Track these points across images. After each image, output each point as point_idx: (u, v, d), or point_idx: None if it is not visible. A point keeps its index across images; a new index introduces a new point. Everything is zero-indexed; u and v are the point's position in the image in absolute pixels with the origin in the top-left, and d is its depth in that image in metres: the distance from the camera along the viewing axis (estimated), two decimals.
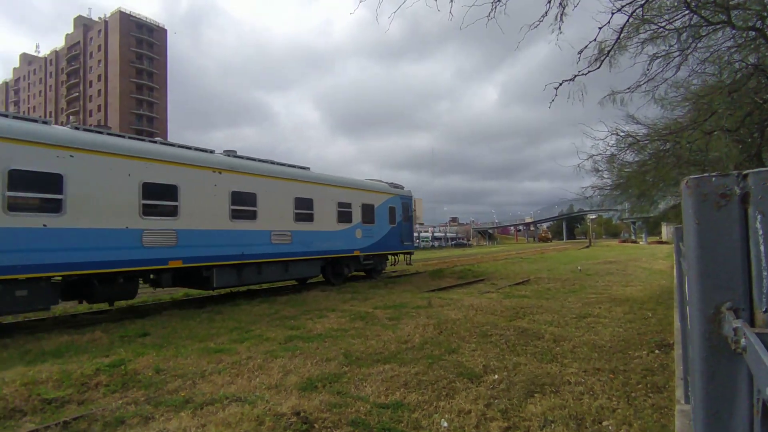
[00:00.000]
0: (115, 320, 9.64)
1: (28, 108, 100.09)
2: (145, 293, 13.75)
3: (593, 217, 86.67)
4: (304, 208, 14.00)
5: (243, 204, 12.00)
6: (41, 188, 8.19)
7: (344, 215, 15.76)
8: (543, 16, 5.32)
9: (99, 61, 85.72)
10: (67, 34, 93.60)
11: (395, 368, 5.65)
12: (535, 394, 4.76)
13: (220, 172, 11.50)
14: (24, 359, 6.21)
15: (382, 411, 4.27)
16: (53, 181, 8.22)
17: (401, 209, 18.89)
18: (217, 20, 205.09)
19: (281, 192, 13.26)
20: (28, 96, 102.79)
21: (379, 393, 4.76)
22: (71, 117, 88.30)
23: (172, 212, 10.30)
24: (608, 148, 10.47)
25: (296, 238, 13.58)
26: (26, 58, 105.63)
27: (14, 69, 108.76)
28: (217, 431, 3.68)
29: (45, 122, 8.86)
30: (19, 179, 7.79)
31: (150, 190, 9.88)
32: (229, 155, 12.64)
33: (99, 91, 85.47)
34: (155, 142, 11.35)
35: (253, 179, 12.46)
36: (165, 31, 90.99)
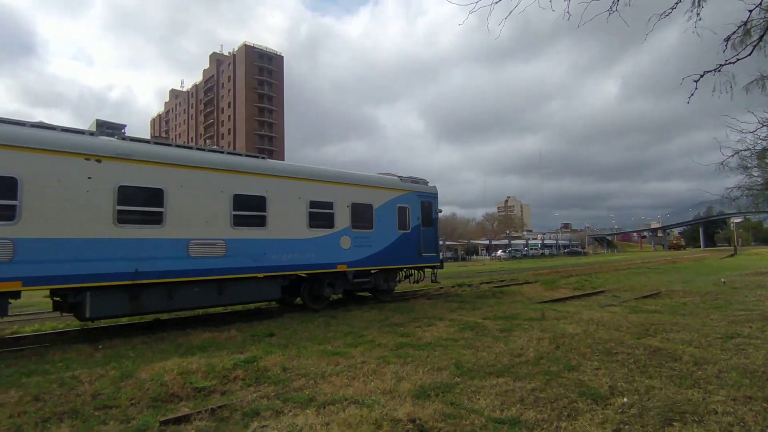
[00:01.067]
0: (245, 321, 10.77)
1: (176, 135, 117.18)
2: None
3: (738, 220, 74.05)
4: (249, 209, 10.54)
5: (139, 204, 8.94)
6: None
7: (320, 218, 11.87)
8: (677, 3, 4.78)
9: (229, 90, 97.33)
10: (204, 70, 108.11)
11: (509, 382, 5.45)
12: (674, 423, 4.24)
13: (98, 161, 8.44)
14: (178, 351, 7.24)
15: (498, 426, 4.16)
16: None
17: (419, 210, 14.52)
18: (331, 43, 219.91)
19: (210, 187, 9.89)
20: (175, 125, 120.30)
21: (493, 407, 4.64)
22: (208, 141, 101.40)
23: (9, 216, 7.50)
24: (759, 141, 8.97)
25: (235, 248, 10.10)
26: (174, 93, 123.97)
27: (165, 103, 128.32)
28: (340, 431, 3.91)
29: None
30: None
31: None
32: (114, 135, 9.42)
33: (229, 116, 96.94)
34: None
35: (158, 170, 9.17)
36: (282, 57, 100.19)
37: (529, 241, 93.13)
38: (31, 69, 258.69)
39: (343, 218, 12.38)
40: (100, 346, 7.81)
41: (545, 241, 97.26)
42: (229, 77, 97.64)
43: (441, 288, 18.39)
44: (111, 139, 9.14)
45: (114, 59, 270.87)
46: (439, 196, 15.59)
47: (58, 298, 8.63)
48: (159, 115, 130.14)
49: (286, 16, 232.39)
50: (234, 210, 10.22)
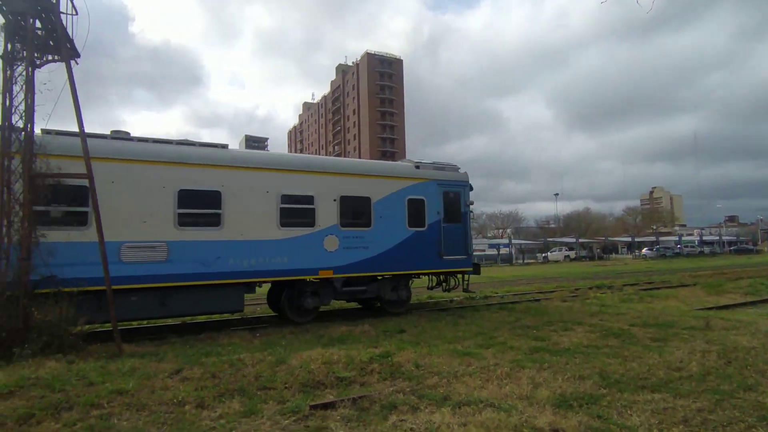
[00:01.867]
0: (376, 317, 11.32)
1: (309, 144, 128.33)
2: None
3: None
4: (199, 206, 9.28)
5: (59, 202, 8.19)
6: None
7: (296, 215, 10.18)
8: None
9: (353, 98, 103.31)
10: (331, 81, 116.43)
11: (668, 399, 4.83)
12: None
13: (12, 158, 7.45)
14: (320, 342, 7.92)
15: None
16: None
17: (439, 202, 11.87)
18: (452, 40, 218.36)
19: (146, 182, 8.75)
20: (308, 134, 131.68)
21: (650, 425, 4.15)
22: (336, 147, 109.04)
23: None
24: None
25: (179, 252, 8.90)
26: (306, 106, 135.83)
27: (299, 115, 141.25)
28: None
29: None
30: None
31: None
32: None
33: (354, 123, 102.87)
34: None
35: (79, 165, 7.61)
36: (401, 61, 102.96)
37: (683, 237, 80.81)
38: (199, 96, 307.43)
39: (328, 214, 10.41)
40: (258, 335, 8.94)
41: (704, 237, 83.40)
42: (353, 86, 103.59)
43: (552, 292, 16.96)
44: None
45: (260, 80, 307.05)
46: (470, 183, 12.61)
47: None
48: (294, 127, 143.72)
49: (408, 19, 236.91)
50: (179, 207, 8.96)
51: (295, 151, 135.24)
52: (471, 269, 12.37)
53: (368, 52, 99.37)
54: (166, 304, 8.90)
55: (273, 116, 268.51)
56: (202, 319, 11.45)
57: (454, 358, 6.56)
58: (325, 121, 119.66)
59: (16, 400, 4.89)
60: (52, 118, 7.88)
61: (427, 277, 12.63)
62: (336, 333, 8.82)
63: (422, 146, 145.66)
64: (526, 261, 58.79)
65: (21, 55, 7.15)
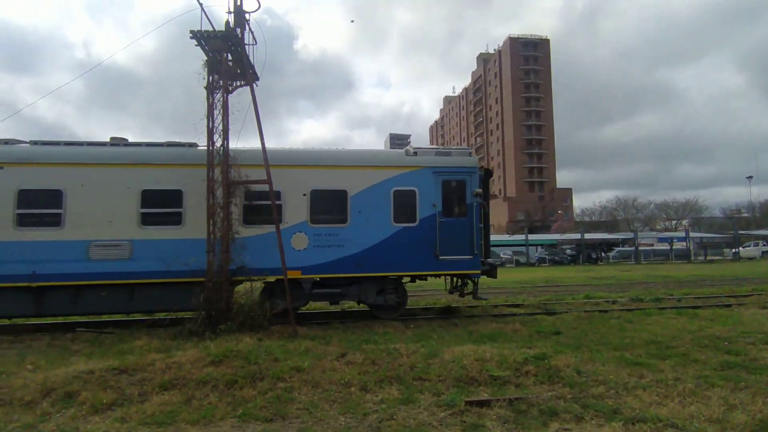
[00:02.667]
0: (528, 314, 10.85)
1: (450, 138, 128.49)
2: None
3: None
4: (160, 206, 9.55)
5: (38, 206, 9.18)
6: None
7: (260, 212, 9.67)
8: None
9: (495, 86, 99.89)
10: (472, 72, 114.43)
11: None
12: None
13: (1, 167, 9.02)
14: (471, 338, 7.94)
15: None
16: None
17: (436, 193, 10.33)
18: (611, 7, 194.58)
19: (112, 184, 9.29)
20: (449, 128, 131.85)
21: None
22: (478, 139, 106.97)
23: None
24: None
25: (143, 250, 9.25)
26: (447, 99, 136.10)
27: (440, 110, 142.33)
28: None
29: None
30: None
31: None
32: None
33: (496, 112, 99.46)
34: None
35: (56, 170, 9.24)
36: (547, 41, 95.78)
37: None
38: (351, 101, 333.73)
39: (296, 210, 9.84)
40: (411, 326, 9.38)
41: None
42: (495, 74, 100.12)
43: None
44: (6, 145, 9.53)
45: (405, 79, 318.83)
46: (478, 169, 10.72)
47: None
48: (435, 122, 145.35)
49: None
50: (142, 207, 9.37)
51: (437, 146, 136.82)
52: (479, 272, 10.53)
53: (511, 36, 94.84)
54: (134, 300, 9.48)
55: (416, 113, 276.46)
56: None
57: (623, 368, 5.93)
58: (466, 114, 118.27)
59: (223, 367, 6.01)
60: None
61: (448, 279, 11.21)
62: (486, 330, 8.73)
63: (575, 130, 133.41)
64: (708, 258, 49.54)
65: (218, 84, 8.70)
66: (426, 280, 11.25)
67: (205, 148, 9.10)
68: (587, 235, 49.31)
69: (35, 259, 8.85)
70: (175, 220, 9.48)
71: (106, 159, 9.53)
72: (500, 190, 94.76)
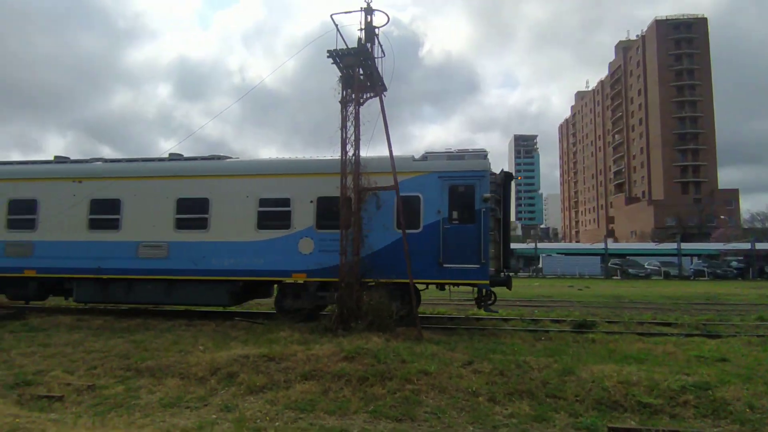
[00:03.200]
0: (684, 335, 9.44)
1: (583, 136, 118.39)
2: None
3: None
4: (191, 212, 10.78)
5: (103, 212, 11.05)
6: None
7: (273, 217, 10.46)
8: None
9: (638, 76, 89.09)
10: (609, 63, 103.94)
11: None
12: None
13: (79, 181, 11.22)
14: (612, 357, 7.18)
15: None
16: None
17: (443, 199, 9.84)
18: None
19: (156, 193, 10.92)
20: (581, 126, 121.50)
21: None
22: (616, 136, 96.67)
23: (30, 225, 11.30)
24: None
25: (176, 251, 10.66)
26: (579, 95, 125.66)
27: (571, 106, 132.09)
28: None
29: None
30: None
31: (14, 206, 11.47)
32: (87, 162, 12.16)
33: (639, 105, 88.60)
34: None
35: (118, 183, 11.19)
36: (704, 20, 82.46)
37: None
38: (474, 103, 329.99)
39: (304, 216, 10.28)
40: (542, 338, 8.86)
41: None
42: (637, 63, 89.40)
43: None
44: (85, 164, 12.09)
45: (532, 78, 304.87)
46: (488, 173, 9.85)
47: None
48: (566, 120, 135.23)
49: None
50: (177, 213, 10.77)
51: (568, 145, 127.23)
52: (486, 282, 9.68)
53: (657, 19, 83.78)
54: (171, 295, 10.91)
55: (544, 111, 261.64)
56: (485, 314, 12.01)
57: None
58: (602, 109, 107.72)
59: (355, 363, 6.38)
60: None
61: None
62: (630, 349, 7.81)
63: (743, 122, 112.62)
64: None
65: (351, 97, 9.32)
66: (426, 288, 10.78)
67: (232, 159, 11.36)
68: (760, 245, 40.96)
69: (101, 256, 10.88)
70: (202, 224, 10.72)
71: (150, 173, 11.32)
72: (644, 192, 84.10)
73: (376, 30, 9.39)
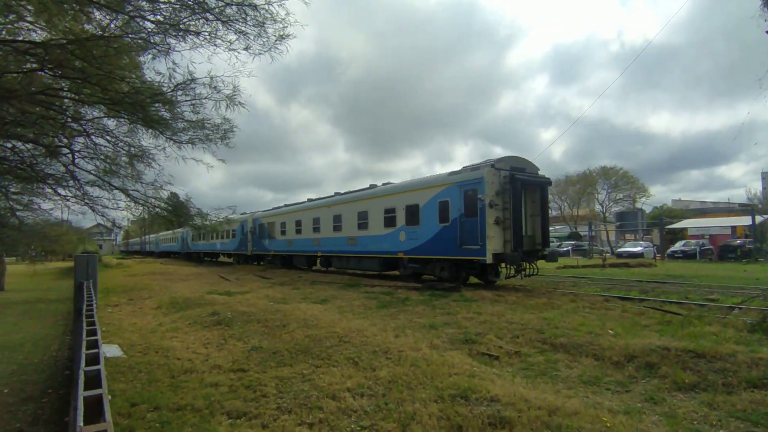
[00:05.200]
0: None
1: None
2: None
3: None
4: (362, 219, 18.49)
5: (337, 222, 20.41)
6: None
7: (390, 220, 16.92)
8: None
9: None
10: None
11: None
12: None
13: (329, 207, 21.32)
14: None
15: None
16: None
17: (460, 202, 13.82)
18: None
19: (350, 210, 19.46)
20: None
21: None
22: None
23: (318, 231, 22.17)
24: None
25: (360, 241, 18.61)
26: None
27: None
28: None
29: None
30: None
31: (312, 222, 22.88)
32: (330, 197, 22.10)
33: None
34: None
35: (339, 207, 20.48)
36: None
37: None
38: None
39: (401, 218, 16.37)
40: None
41: None
42: None
43: None
44: (333, 196, 22.15)
45: None
46: (486, 180, 13.01)
47: None
48: None
49: None
50: (358, 220, 18.81)
51: None
52: (484, 258, 12.83)
53: None
54: (360, 264, 19.27)
55: None
56: None
57: None
58: None
59: None
60: None
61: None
62: None
63: None
64: None
65: None
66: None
67: (377, 186, 19.12)
68: None
69: (337, 244, 20.40)
70: (365, 226, 18.42)
71: (347, 200, 20.02)
72: None
73: None
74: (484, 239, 12.73)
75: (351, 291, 13.91)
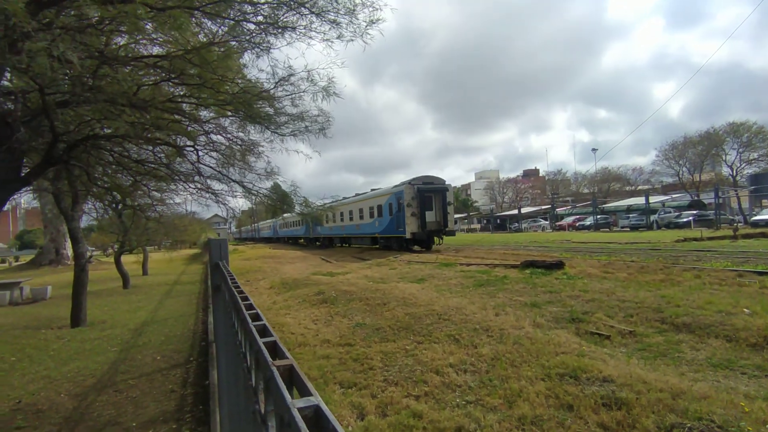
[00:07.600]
0: None
1: None
2: None
3: None
4: (359, 212, 29.68)
5: (349, 216, 31.37)
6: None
7: (371, 214, 27.68)
8: None
9: None
10: None
11: None
12: None
13: (346, 206, 31.81)
14: None
15: None
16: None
17: (396, 203, 24.26)
18: None
19: (352, 208, 30.59)
20: None
21: None
22: None
23: (342, 220, 33.43)
24: None
25: (361, 227, 29.42)
26: None
27: None
28: None
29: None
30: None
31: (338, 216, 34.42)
32: (348, 197, 31.84)
33: None
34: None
35: (348, 206, 31.14)
36: None
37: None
38: None
39: (373, 213, 27.25)
40: None
41: None
42: None
43: None
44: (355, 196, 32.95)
45: None
46: (405, 192, 23.57)
47: None
48: None
49: None
50: (359, 214, 29.92)
51: None
52: (404, 236, 23.47)
53: None
54: (360, 240, 31.46)
55: None
56: None
57: None
58: None
59: None
60: None
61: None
62: None
63: None
64: None
65: None
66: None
67: (368, 192, 31.66)
68: None
69: (350, 230, 31.92)
70: (361, 217, 29.80)
71: (351, 201, 30.89)
72: None
73: None
74: (403, 225, 23.29)
75: (447, 270, 13.95)
